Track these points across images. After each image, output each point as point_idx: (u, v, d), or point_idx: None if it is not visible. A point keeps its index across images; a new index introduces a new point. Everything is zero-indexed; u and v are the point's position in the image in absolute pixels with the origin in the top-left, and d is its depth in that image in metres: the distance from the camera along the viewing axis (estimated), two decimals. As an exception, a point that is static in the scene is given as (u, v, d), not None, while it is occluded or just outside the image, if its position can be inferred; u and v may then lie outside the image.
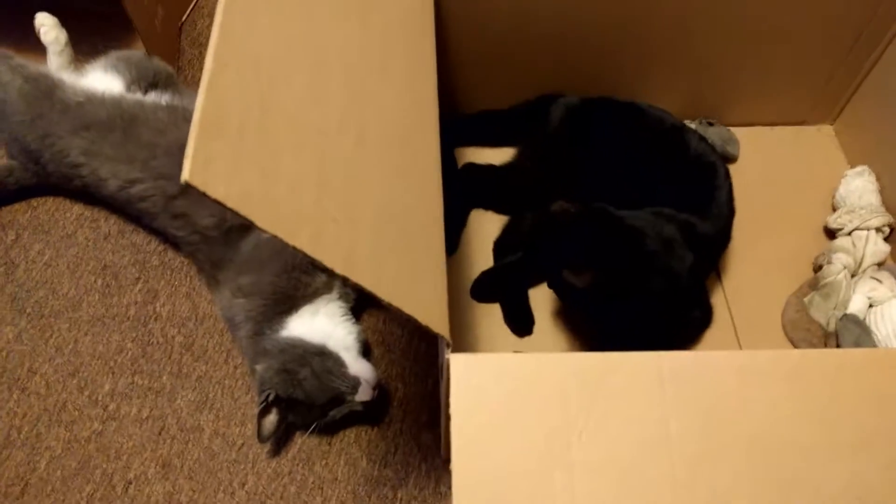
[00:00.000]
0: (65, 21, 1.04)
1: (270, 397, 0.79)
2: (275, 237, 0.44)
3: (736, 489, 0.54)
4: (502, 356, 0.58)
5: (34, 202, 1.04)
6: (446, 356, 0.57)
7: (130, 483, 0.83)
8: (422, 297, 0.57)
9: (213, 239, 0.89)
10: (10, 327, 0.94)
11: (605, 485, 0.54)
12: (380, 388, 0.84)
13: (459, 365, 0.56)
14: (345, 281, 0.51)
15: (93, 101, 0.95)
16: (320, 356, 0.82)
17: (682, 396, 0.56)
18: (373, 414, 0.87)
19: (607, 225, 0.80)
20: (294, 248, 0.45)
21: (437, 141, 0.69)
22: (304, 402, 0.80)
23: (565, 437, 0.55)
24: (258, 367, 0.82)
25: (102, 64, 1.02)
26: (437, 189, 0.66)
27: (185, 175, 0.39)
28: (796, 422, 0.56)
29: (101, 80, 1.00)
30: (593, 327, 0.95)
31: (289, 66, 0.51)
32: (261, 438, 0.81)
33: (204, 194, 0.40)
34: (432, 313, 0.57)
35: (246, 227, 0.85)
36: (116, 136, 0.92)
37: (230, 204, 0.41)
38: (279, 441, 0.86)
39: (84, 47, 1.07)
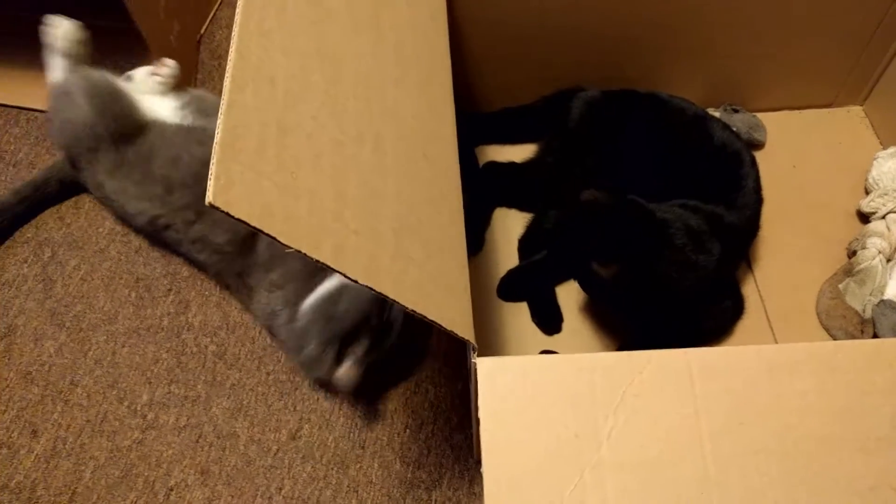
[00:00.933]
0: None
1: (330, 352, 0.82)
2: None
3: (769, 484, 0.53)
4: (528, 358, 0.58)
5: (67, 219, 1.07)
6: (473, 359, 0.58)
7: (171, 490, 0.85)
8: (445, 302, 0.58)
9: (231, 254, 0.91)
10: (51, 342, 0.97)
11: (636, 483, 0.54)
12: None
13: (486, 368, 0.57)
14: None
15: None
16: (347, 287, 0.85)
17: (711, 392, 0.56)
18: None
19: (637, 216, 0.79)
20: (317, 262, 0.46)
21: (454, 145, 0.69)
22: (354, 324, 0.83)
23: (594, 437, 0.55)
24: (305, 351, 0.84)
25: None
26: (456, 193, 0.66)
27: (209, 197, 0.40)
28: (828, 415, 0.55)
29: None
30: (623, 322, 0.94)
31: (304, 83, 0.52)
32: (343, 387, 0.84)
33: (228, 214, 0.40)
34: (457, 318, 0.58)
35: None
36: (137, 174, 0.96)
37: (253, 223, 0.42)
38: (313, 446, 0.88)
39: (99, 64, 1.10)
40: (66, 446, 0.89)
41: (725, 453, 0.54)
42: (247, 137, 0.45)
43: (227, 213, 0.40)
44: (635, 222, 0.80)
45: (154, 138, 0.97)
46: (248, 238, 0.90)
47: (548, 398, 0.56)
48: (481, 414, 0.56)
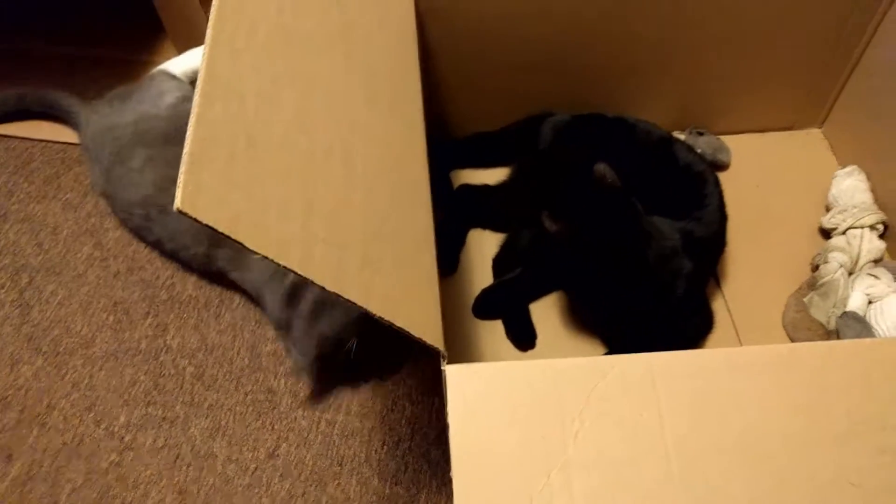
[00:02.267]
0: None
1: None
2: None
3: (731, 481, 0.55)
4: (495, 364, 0.60)
5: (45, 245, 1.08)
6: (442, 367, 0.59)
7: (148, 512, 0.85)
8: (414, 311, 0.59)
9: None
10: (27, 366, 0.97)
11: (602, 483, 0.55)
12: None
13: (454, 374, 0.58)
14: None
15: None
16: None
17: (673, 394, 0.58)
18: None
19: (625, 213, 0.81)
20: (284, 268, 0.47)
21: (424, 163, 0.72)
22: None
23: (561, 439, 0.56)
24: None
25: None
26: (426, 208, 0.68)
27: (177, 203, 0.42)
28: (787, 413, 0.57)
29: None
30: (595, 337, 0.96)
31: (275, 99, 0.54)
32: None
33: (195, 220, 0.42)
34: (425, 326, 0.59)
35: None
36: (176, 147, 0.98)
37: (221, 229, 0.43)
38: (291, 464, 0.88)
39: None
40: (42, 470, 0.89)
41: (689, 452, 0.56)
42: (216, 149, 0.47)
43: (195, 219, 0.42)
44: (617, 209, 0.81)
45: None
46: None
47: (515, 402, 0.58)
48: (450, 419, 0.57)
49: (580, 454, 0.56)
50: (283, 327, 0.91)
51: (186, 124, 0.97)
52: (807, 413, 0.57)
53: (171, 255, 1.05)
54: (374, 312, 0.53)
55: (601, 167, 0.82)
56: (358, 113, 0.63)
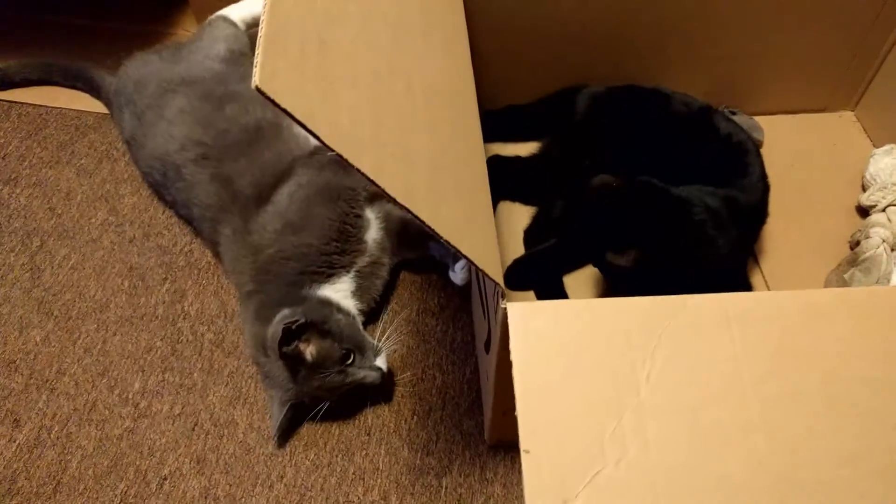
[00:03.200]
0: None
1: (301, 319, 0.77)
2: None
3: (815, 427, 0.52)
4: (560, 302, 0.57)
5: (58, 210, 1.04)
6: (501, 305, 0.56)
7: (165, 479, 0.80)
8: (475, 243, 0.56)
9: (244, 199, 0.89)
10: (37, 330, 0.92)
11: (677, 426, 0.52)
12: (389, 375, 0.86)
13: (517, 313, 0.55)
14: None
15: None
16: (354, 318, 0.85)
17: (749, 336, 0.54)
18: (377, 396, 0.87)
19: (653, 197, 0.78)
20: (358, 171, 0.44)
21: (475, 107, 0.69)
22: (332, 335, 0.79)
23: (633, 379, 0.53)
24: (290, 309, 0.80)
25: None
26: (479, 149, 0.65)
27: (255, 81, 0.38)
28: (869, 359, 0.54)
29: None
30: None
31: (342, 11, 0.51)
32: (281, 354, 0.77)
33: (273, 102, 0.39)
34: (486, 261, 0.56)
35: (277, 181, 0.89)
36: (210, 105, 0.95)
37: (297, 116, 0.40)
38: (316, 433, 0.84)
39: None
40: (52, 436, 0.84)
41: (768, 397, 0.53)
42: (289, 41, 0.43)
43: (273, 101, 0.39)
44: (650, 202, 0.79)
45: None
46: (266, 189, 0.88)
47: (580, 342, 0.55)
48: (514, 359, 0.53)
49: (654, 396, 0.52)
50: (259, 364, 0.85)
51: (228, 84, 0.96)
52: (890, 358, 0.54)
53: (187, 222, 1.01)
54: (442, 236, 0.50)
55: (595, 180, 0.78)
56: (416, 44, 0.61)
